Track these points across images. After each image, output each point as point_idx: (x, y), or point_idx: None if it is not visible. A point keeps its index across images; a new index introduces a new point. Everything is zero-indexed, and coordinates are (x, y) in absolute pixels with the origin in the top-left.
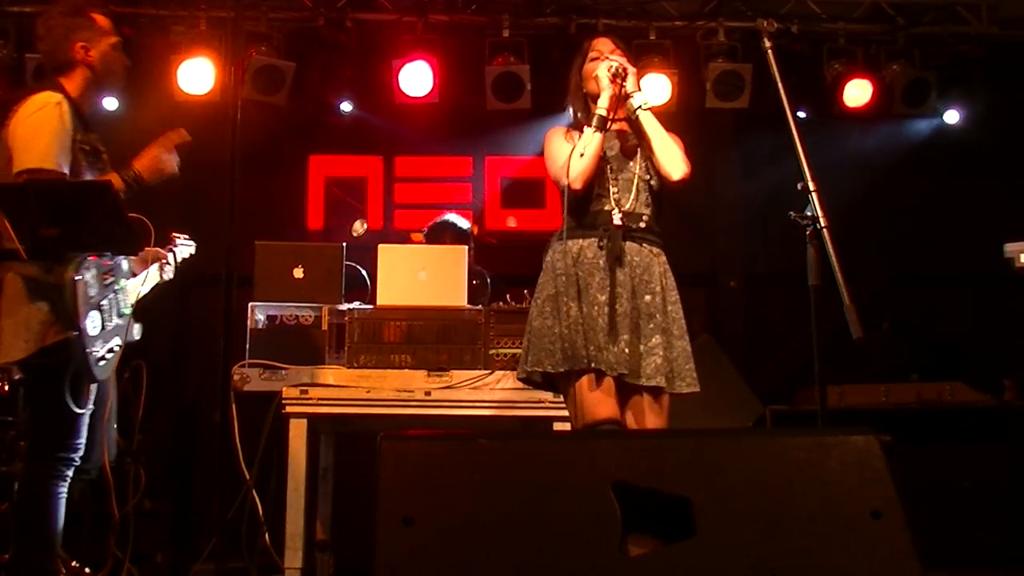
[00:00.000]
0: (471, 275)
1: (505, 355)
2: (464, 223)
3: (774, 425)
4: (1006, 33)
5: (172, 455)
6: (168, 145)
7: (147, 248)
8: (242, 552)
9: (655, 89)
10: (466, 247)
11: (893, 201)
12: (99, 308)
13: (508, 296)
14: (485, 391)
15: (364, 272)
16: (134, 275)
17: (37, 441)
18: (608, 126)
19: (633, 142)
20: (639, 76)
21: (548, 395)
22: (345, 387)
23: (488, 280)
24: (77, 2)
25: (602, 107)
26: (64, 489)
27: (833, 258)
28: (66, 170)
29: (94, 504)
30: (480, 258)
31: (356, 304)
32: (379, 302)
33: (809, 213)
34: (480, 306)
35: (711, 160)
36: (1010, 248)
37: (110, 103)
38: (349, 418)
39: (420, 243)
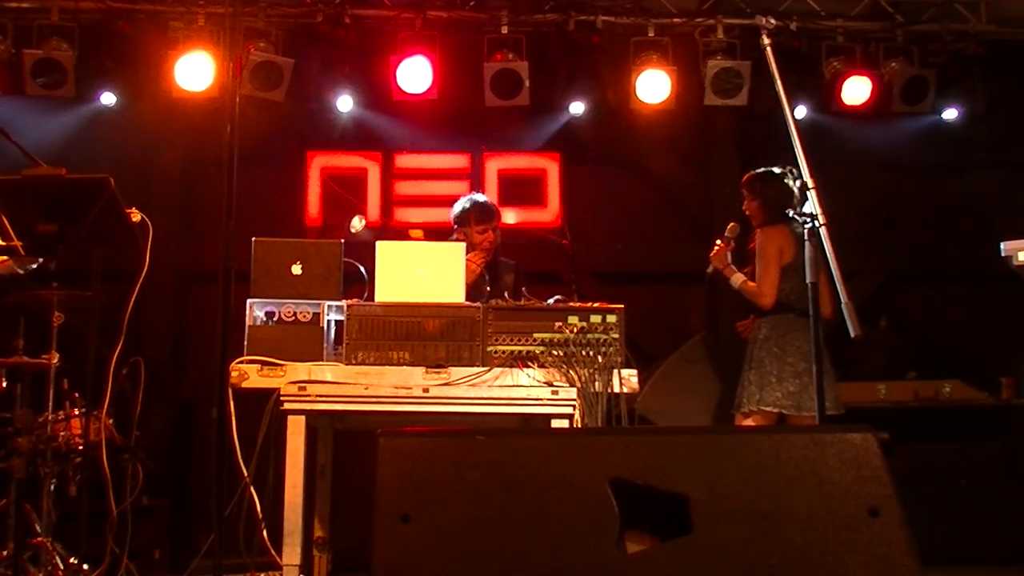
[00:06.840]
0: (503, 269)
1: (503, 352)
2: (483, 197)
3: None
4: (1004, 31)
5: (170, 452)
6: None
7: None
8: (240, 549)
9: (654, 86)
10: (464, 243)
11: (891, 199)
12: None
13: (506, 293)
14: (483, 388)
15: (363, 268)
16: None
17: None
18: None
19: None
20: (636, 74)
21: (546, 392)
22: (343, 384)
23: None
24: None
25: None
26: None
27: (831, 256)
28: None
29: (92, 501)
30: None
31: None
32: (377, 299)
33: (807, 210)
34: (478, 303)
35: (710, 158)
36: (1008, 246)
37: (108, 99)
38: (347, 415)
39: (419, 239)
